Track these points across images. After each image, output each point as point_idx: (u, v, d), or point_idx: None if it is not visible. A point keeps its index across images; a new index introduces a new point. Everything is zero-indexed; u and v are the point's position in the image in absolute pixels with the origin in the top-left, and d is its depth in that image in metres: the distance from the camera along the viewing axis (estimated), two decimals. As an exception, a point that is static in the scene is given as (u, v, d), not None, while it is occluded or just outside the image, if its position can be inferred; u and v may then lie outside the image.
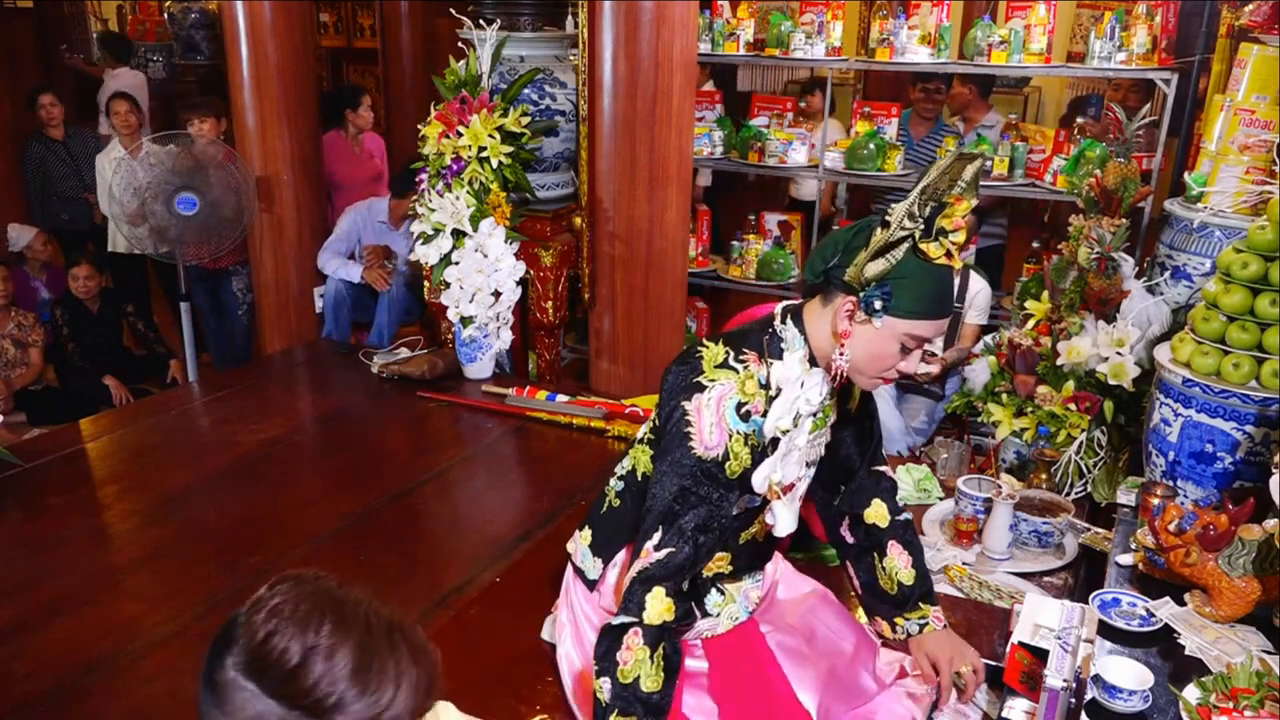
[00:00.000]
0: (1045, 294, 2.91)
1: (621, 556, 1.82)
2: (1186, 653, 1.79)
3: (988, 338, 3.18)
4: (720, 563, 1.81)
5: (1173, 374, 2.29)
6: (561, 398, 3.29)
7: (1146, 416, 2.44)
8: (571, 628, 1.90)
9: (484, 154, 3.33)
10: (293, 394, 3.69)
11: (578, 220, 3.57)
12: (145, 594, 2.30)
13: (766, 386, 1.59)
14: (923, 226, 1.48)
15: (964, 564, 2.37)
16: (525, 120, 3.41)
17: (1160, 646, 1.82)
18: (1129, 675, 1.68)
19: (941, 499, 2.70)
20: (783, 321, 1.63)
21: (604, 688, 1.57)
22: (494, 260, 3.38)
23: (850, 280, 1.53)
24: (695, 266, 4.52)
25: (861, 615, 1.99)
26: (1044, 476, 2.68)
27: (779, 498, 1.63)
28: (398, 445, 3.23)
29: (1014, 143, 4.18)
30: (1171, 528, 1.91)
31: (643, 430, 1.82)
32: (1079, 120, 4.46)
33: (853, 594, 2.00)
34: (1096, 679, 1.67)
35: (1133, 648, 1.81)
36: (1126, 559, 2.12)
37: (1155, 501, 2.12)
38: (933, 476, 2.78)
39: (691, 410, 1.57)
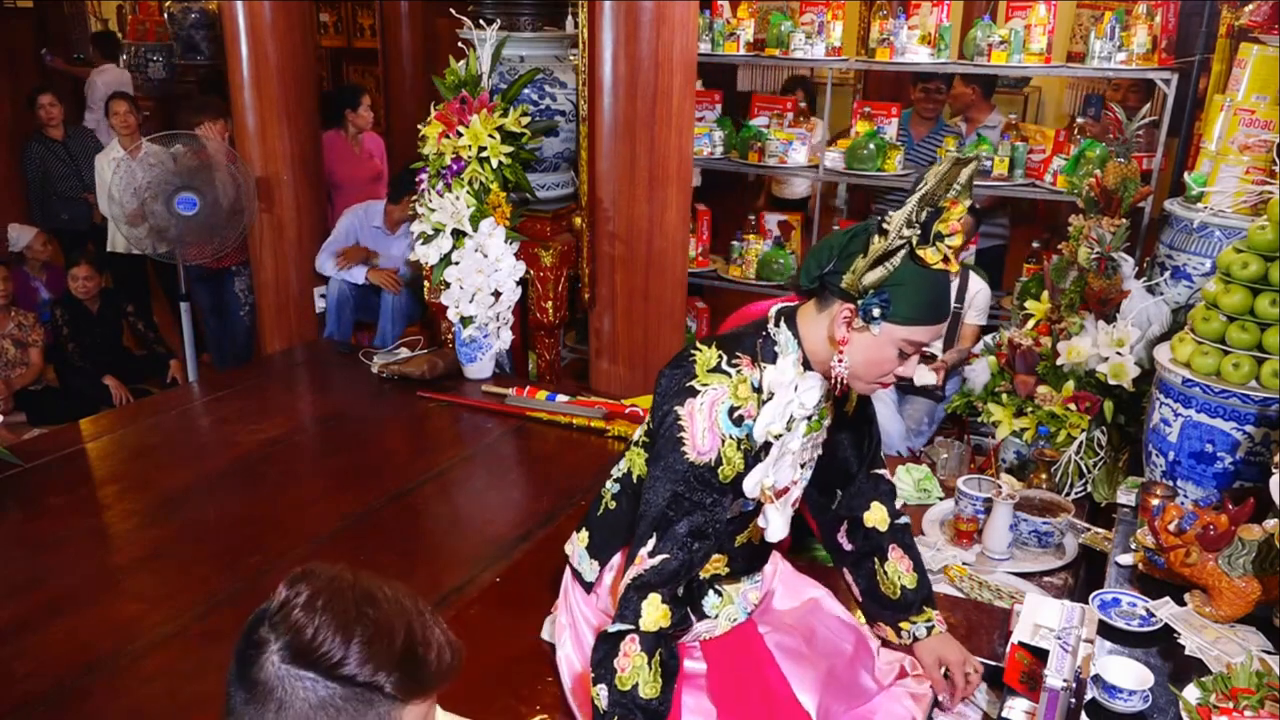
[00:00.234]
0: (1045, 294, 2.91)
1: (617, 559, 1.82)
2: (1186, 653, 1.79)
3: (988, 338, 3.18)
4: (717, 564, 1.81)
5: (1173, 374, 2.29)
6: (561, 398, 3.29)
7: (1146, 416, 2.44)
8: (571, 630, 1.90)
9: (484, 154, 3.33)
10: (293, 394, 3.69)
11: (578, 220, 3.57)
12: (145, 594, 2.30)
13: (759, 390, 1.58)
14: (919, 232, 1.47)
15: (964, 564, 2.37)
16: (525, 120, 3.41)
17: (1160, 646, 1.82)
18: (1129, 675, 1.68)
19: (941, 499, 2.70)
20: (776, 325, 1.63)
21: (601, 695, 1.56)
22: (494, 260, 3.38)
23: (848, 287, 1.52)
24: (695, 266, 4.53)
25: (861, 616, 1.99)
26: (1044, 476, 2.68)
27: (772, 502, 1.63)
28: (398, 445, 3.23)
29: (1014, 143, 4.18)
30: (1171, 528, 1.91)
31: (638, 433, 1.82)
32: (1079, 120, 4.46)
33: (853, 599, 1.99)
34: (1096, 679, 1.67)
35: (1133, 648, 1.81)
36: (1126, 559, 2.12)
37: (1155, 501, 2.12)
38: (933, 476, 2.78)
39: (684, 415, 1.56)
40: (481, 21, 3.39)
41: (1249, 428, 2.18)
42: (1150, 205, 3.69)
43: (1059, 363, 2.74)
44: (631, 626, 1.56)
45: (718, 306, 4.85)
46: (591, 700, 1.58)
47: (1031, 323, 2.92)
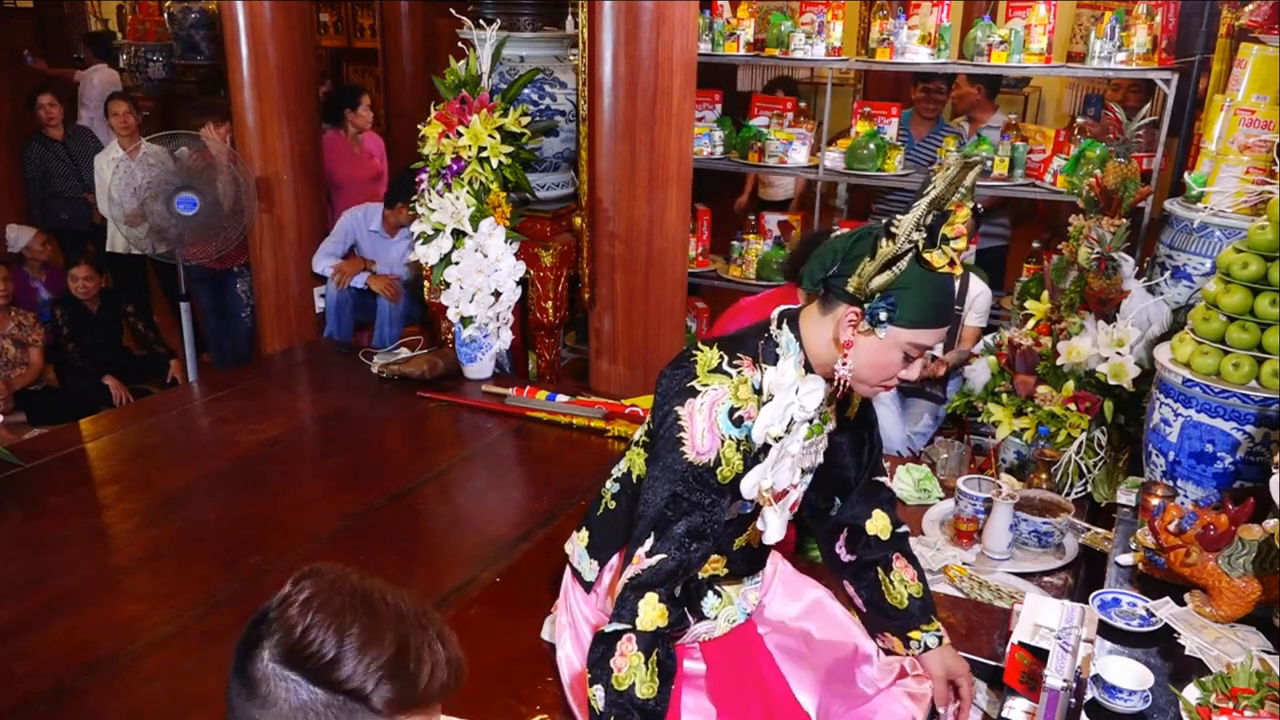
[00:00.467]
0: (1045, 294, 2.91)
1: (616, 560, 1.82)
2: (1186, 653, 1.79)
3: (988, 338, 3.18)
4: (716, 565, 1.80)
5: (1173, 374, 2.29)
6: (561, 398, 3.29)
7: (1146, 416, 2.44)
8: (570, 630, 1.90)
9: (484, 154, 3.33)
10: (293, 394, 3.69)
11: (578, 220, 3.57)
12: (145, 594, 2.30)
13: (760, 392, 1.58)
14: (925, 236, 1.47)
15: (964, 564, 2.37)
16: (525, 120, 3.41)
17: (1160, 646, 1.82)
18: (1129, 675, 1.68)
19: (941, 499, 2.70)
20: (778, 327, 1.63)
21: (598, 696, 1.56)
22: (494, 260, 3.38)
23: (854, 291, 1.51)
24: (695, 266, 4.53)
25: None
26: (1044, 476, 2.68)
27: (770, 504, 1.63)
28: (398, 445, 3.23)
29: (1014, 143, 4.18)
30: (1171, 528, 1.91)
31: (639, 433, 1.82)
32: (1079, 120, 4.46)
33: (854, 609, 1.95)
34: (1096, 679, 1.67)
35: (1133, 648, 1.81)
36: (1126, 559, 2.12)
37: (1155, 501, 2.12)
38: (933, 476, 2.78)
39: (684, 415, 1.56)
40: (481, 21, 3.39)
41: (1249, 428, 2.18)
42: (1150, 205, 3.69)
43: (1059, 363, 2.74)
44: (628, 626, 1.56)
45: (718, 306, 4.84)
46: (588, 701, 1.58)
47: (1031, 323, 2.92)
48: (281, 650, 0.92)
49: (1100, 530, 2.47)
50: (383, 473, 2.92)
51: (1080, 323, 2.74)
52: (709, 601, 1.82)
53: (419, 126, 3.48)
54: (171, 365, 4.77)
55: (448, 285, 3.41)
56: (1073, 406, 2.70)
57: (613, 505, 1.83)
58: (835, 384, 1.58)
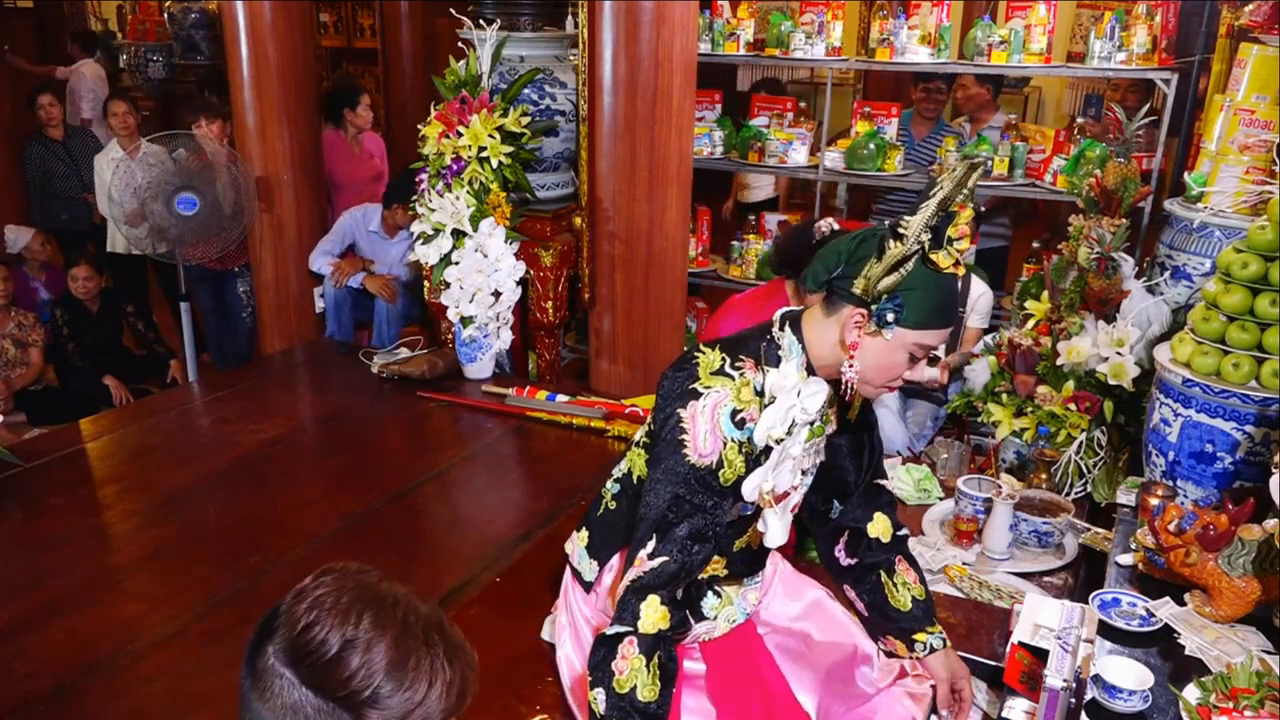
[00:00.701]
0: (1045, 294, 2.91)
1: (616, 560, 1.82)
2: (1186, 653, 1.79)
3: (988, 338, 3.18)
4: (715, 566, 1.80)
5: (1173, 374, 2.29)
6: (561, 398, 3.29)
7: (1146, 416, 2.44)
8: (570, 630, 1.90)
9: (484, 154, 3.33)
10: (293, 394, 3.69)
11: (578, 220, 3.57)
12: (145, 594, 2.30)
13: (762, 394, 1.58)
14: (931, 237, 1.48)
15: (964, 564, 2.37)
16: (525, 120, 3.41)
17: (1160, 646, 1.82)
18: (1129, 675, 1.68)
19: (941, 499, 2.70)
20: (780, 329, 1.63)
21: (599, 699, 1.56)
22: (494, 260, 3.38)
23: (862, 293, 1.52)
24: (695, 266, 4.52)
25: None
26: (1044, 476, 2.68)
27: (771, 506, 1.63)
28: (398, 445, 3.23)
29: (1014, 143, 4.18)
30: (1171, 528, 1.91)
31: (639, 433, 1.82)
32: (1079, 120, 4.46)
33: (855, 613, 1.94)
34: (1096, 679, 1.67)
35: (1133, 648, 1.81)
36: (1126, 559, 2.12)
37: (1155, 501, 2.12)
38: (933, 476, 2.78)
39: (686, 417, 1.56)
40: (481, 21, 3.39)
41: (1249, 428, 2.18)
42: (1150, 205, 3.69)
43: (1059, 363, 2.74)
44: (630, 629, 1.56)
45: (718, 307, 4.84)
46: (589, 704, 1.58)
47: (1031, 323, 2.92)
48: (285, 645, 0.91)
49: (1100, 530, 2.47)
50: (383, 473, 2.92)
51: (1080, 323, 2.74)
52: (709, 602, 1.82)
53: (419, 126, 3.48)
54: (171, 365, 4.77)
55: (448, 285, 3.41)
56: (1073, 406, 2.70)
57: (613, 505, 1.83)
58: (842, 386, 1.58)
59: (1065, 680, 1.59)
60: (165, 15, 7.43)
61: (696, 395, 1.56)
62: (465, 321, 3.46)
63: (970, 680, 1.80)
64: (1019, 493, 2.48)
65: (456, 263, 3.37)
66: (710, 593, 1.82)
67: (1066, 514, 2.47)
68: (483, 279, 3.38)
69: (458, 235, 3.37)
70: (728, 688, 1.81)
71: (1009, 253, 4.63)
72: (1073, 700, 1.59)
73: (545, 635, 2.04)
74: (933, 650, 1.80)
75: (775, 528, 1.65)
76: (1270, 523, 1.83)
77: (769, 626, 1.92)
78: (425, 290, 3.75)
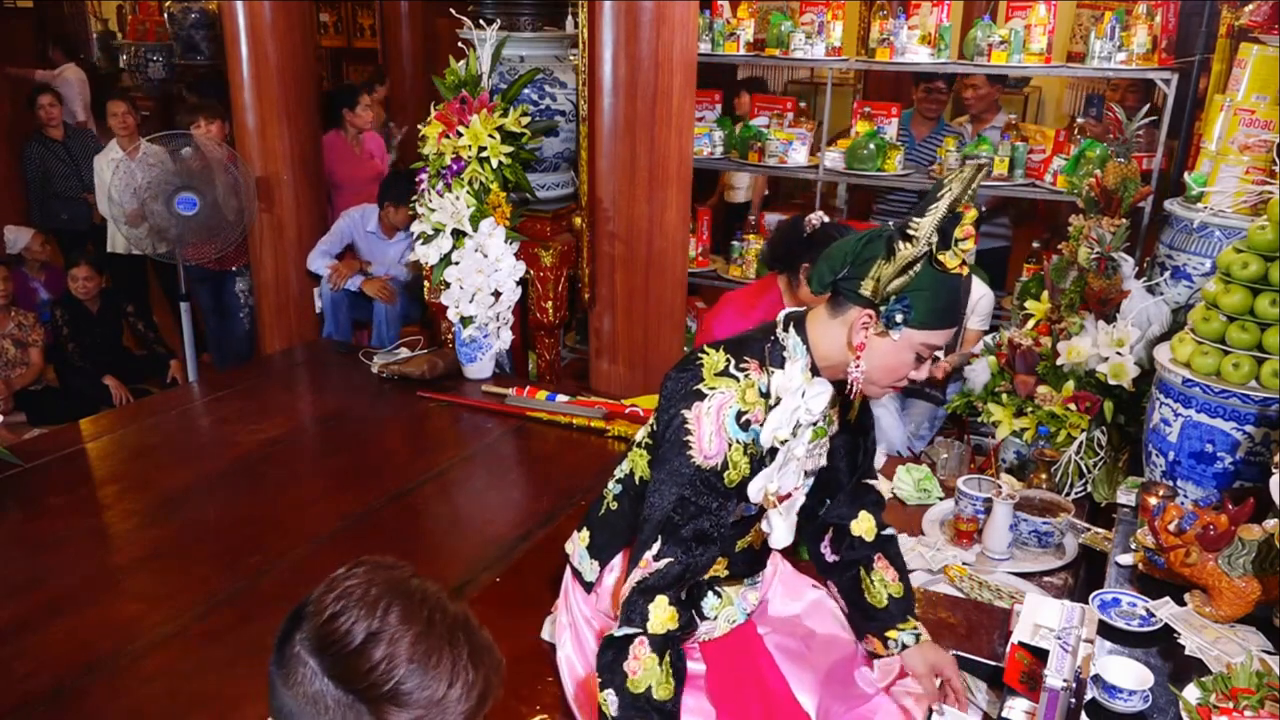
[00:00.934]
0: (1045, 294, 2.91)
1: (618, 560, 1.82)
2: (1186, 653, 1.79)
3: (987, 338, 3.18)
4: (716, 567, 1.80)
5: (1173, 374, 2.29)
6: (561, 398, 3.29)
7: (1146, 416, 2.44)
8: (571, 631, 1.90)
9: (484, 154, 3.33)
10: (293, 394, 3.69)
11: (578, 220, 3.57)
12: (145, 594, 2.30)
13: (767, 395, 1.58)
14: (938, 238, 1.49)
15: (964, 564, 2.37)
16: (525, 120, 3.41)
17: (1160, 646, 1.82)
18: (1129, 675, 1.68)
19: (941, 499, 2.70)
20: (785, 330, 1.63)
21: (610, 701, 1.55)
22: (494, 260, 3.38)
23: (871, 294, 1.52)
24: (695, 266, 4.53)
25: None
26: (1044, 476, 2.68)
27: (775, 507, 1.63)
28: (398, 445, 3.23)
29: (1014, 143, 4.18)
30: (1171, 528, 1.91)
31: (641, 433, 1.82)
32: (1079, 120, 4.46)
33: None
34: (1096, 679, 1.67)
35: (1133, 648, 1.80)
36: (1126, 559, 2.12)
37: (1155, 501, 2.12)
38: (933, 476, 2.78)
39: (691, 419, 1.56)
40: (481, 21, 3.39)
41: (1249, 428, 2.18)
42: (1150, 205, 3.68)
43: (1059, 363, 2.74)
44: (639, 629, 1.56)
45: (716, 306, 4.84)
46: (599, 706, 1.58)
47: (1031, 323, 2.92)
48: (311, 633, 0.92)
49: (1100, 530, 2.47)
50: (383, 473, 2.92)
51: (1080, 323, 2.74)
52: (709, 602, 1.82)
53: (419, 126, 3.48)
54: (171, 365, 4.77)
55: (448, 285, 3.41)
56: (1073, 406, 2.70)
57: (614, 506, 1.83)
58: (849, 386, 1.59)
59: (1065, 680, 1.59)
60: (165, 15, 7.43)
61: (701, 396, 1.57)
62: (465, 321, 3.46)
63: (957, 671, 1.80)
64: (1019, 493, 2.48)
65: (456, 263, 3.37)
66: (711, 593, 1.82)
67: (1066, 514, 2.47)
68: (483, 279, 3.38)
69: (458, 235, 3.37)
70: (728, 688, 1.81)
71: (1009, 253, 4.63)
72: (1073, 700, 1.59)
73: (545, 635, 2.04)
74: (905, 646, 1.79)
75: (780, 528, 1.65)
76: (1270, 523, 1.83)
77: (769, 627, 1.92)
78: (425, 290, 3.75)
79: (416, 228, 3.48)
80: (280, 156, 4.10)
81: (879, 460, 2.80)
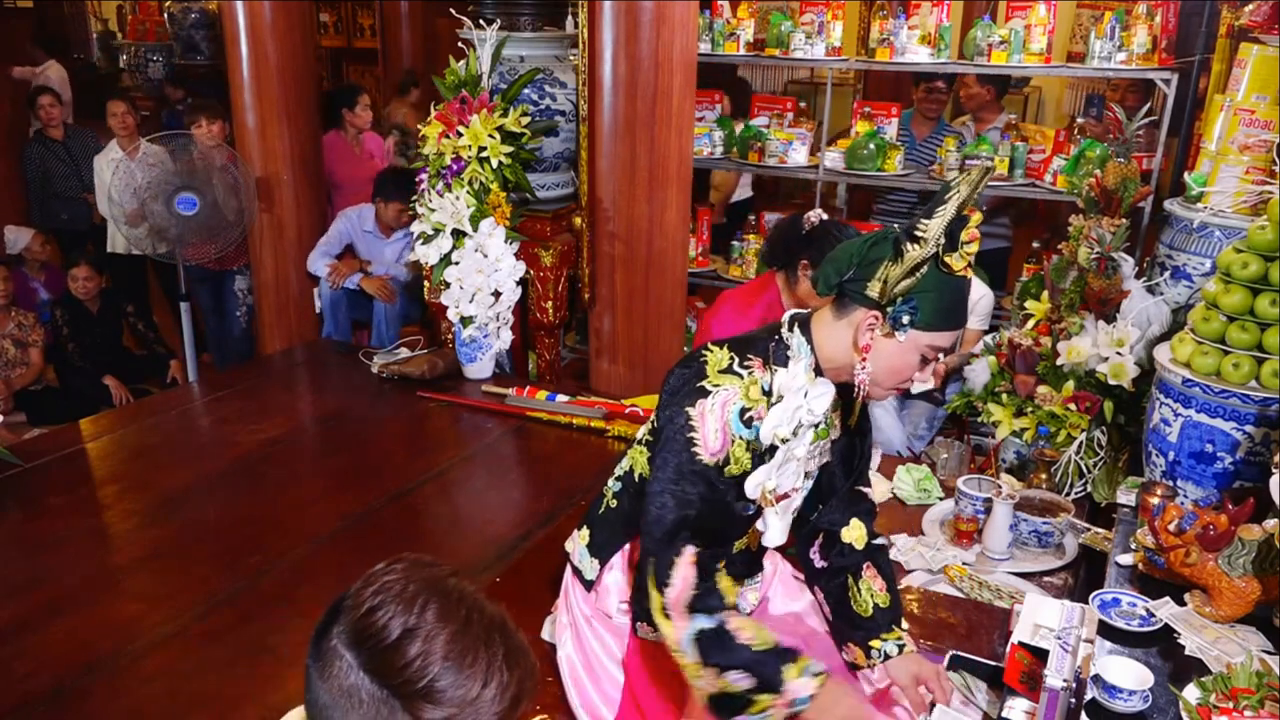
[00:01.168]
0: (1045, 294, 2.91)
1: (618, 559, 1.82)
2: (1186, 653, 1.79)
3: (987, 338, 3.18)
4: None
5: (1173, 374, 2.29)
6: (561, 398, 3.29)
7: (1146, 416, 2.44)
8: (571, 630, 1.90)
9: (484, 154, 3.33)
10: (293, 394, 3.69)
11: (578, 220, 3.57)
12: (145, 594, 2.30)
13: (769, 393, 1.59)
14: (945, 240, 1.50)
15: (964, 564, 2.37)
16: (525, 120, 3.41)
17: (1160, 646, 1.82)
18: (1129, 675, 1.68)
19: (941, 499, 2.70)
20: (790, 330, 1.64)
21: (737, 678, 1.55)
22: (494, 260, 3.38)
23: (878, 296, 1.53)
24: (695, 266, 4.52)
25: None
26: (1044, 476, 2.68)
27: (772, 505, 1.63)
28: (398, 445, 3.23)
29: (1014, 143, 4.18)
30: (1171, 528, 1.91)
31: (642, 431, 1.82)
32: (1079, 120, 4.46)
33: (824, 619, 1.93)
34: (1096, 679, 1.67)
35: (1133, 648, 1.80)
36: (1126, 559, 2.12)
37: (1155, 501, 2.12)
38: (933, 476, 2.78)
39: (695, 415, 1.57)
40: (481, 21, 3.39)
41: (1249, 428, 2.18)
42: (1150, 205, 3.68)
43: (1059, 363, 2.74)
44: (721, 612, 1.58)
45: (716, 306, 4.84)
46: (721, 690, 1.57)
47: (1031, 323, 2.92)
48: (348, 626, 0.92)
49: (1100, 530, 2.47)
50: (383, 473, 2.92)
51: (1080, 323, 2.74)
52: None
53: (419, 126, 3.48)
54: (171, 365, 4.77)
55: (448, 285, 3.41)
56: (1073, 406, 2.70)
57: (614, 504, 1.83)
58: (855, 387, 1.60)
59: (1065, 680, 1.59)
60: (165, 15, 7.43)
61: (705, 393, 1.57)
62: (465, 321, 3.46)
63: (942, 676, 1.78)
64: (1019, 493, 2.48)
65: (456, 263, 3.37)
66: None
67: (1066, 514, 2.47)
68: (483, 279, 3.38)
69: (458, 235, 3.37)
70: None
71: (1009, 253, 4.63)
72: (1073, 700, 1.59)
73: (545, 635, 2.04)
74: (888, 656, 1.77)
75: (775, 528, 1.65)
76: (1270, 523, 1.83)
77: (769, 626, 1.92)
78: (425, 290, 3.75)
79: (416, 228, 3.48)
80: (280, 156, 4.10)
81: (874, 460, 2.80)
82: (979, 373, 2.99)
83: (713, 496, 1.58)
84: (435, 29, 6.68)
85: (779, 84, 7.89)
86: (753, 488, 1.60)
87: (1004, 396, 2.87)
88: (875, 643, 1.79)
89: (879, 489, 2.63)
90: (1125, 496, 2.42)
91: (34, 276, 5.16)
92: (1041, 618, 1.84)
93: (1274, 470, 1.84)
